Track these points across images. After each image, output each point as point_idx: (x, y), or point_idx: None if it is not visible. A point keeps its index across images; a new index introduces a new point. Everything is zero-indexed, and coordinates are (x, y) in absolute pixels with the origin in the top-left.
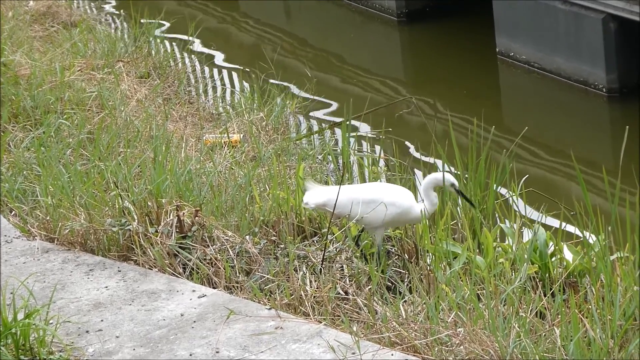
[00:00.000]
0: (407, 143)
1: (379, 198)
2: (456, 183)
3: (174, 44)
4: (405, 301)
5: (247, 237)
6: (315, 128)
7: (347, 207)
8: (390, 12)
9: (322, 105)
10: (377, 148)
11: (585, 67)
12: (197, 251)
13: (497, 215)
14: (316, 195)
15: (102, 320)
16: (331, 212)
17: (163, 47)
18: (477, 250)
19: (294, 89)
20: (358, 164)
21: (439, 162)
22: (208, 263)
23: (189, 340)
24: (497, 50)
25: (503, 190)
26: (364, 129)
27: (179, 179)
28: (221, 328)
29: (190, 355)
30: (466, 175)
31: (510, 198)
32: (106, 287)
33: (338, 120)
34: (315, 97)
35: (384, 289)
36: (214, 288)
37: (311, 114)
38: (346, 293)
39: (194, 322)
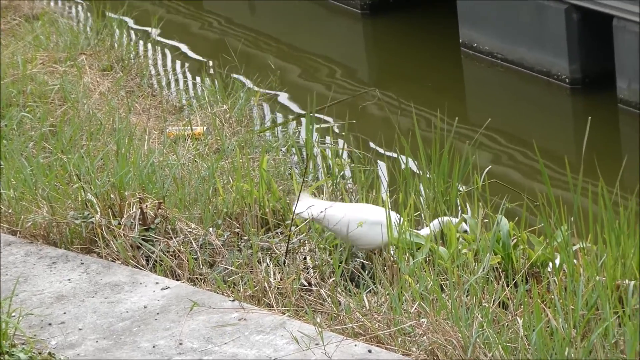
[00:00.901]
0: (370, 135)
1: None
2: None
3: (137, 36)
4: (368, 292)
5: (211, 229)
6: (279, 120)
7: (350, 227)
8: (354, 5)
9: (286, 98)
10: (341, 140)
11: (548, 57)
12: (160, 243)
13: (460, 206)
14: (313, 207)
15: (64, 313)
16: (328, 227)
17: (126, 40)
18: (441, 241)
19: (258, 82)
20: (322, 156)
21: (402, 156)
22: (171, 255)
23: (152, 332)
24: (460, 41)
25: (467, 182)
26: (328, 121)
27: (141, 172)
28: (184, 320)
29: (154, 347)
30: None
31: (474, 189)
32: (69, 279)
33: (302, 112)
34: (279, 90)
35: (347, 280)
36: (177, 280)
37: (275, 106)
38: (310, 284)
39: (157, 314)
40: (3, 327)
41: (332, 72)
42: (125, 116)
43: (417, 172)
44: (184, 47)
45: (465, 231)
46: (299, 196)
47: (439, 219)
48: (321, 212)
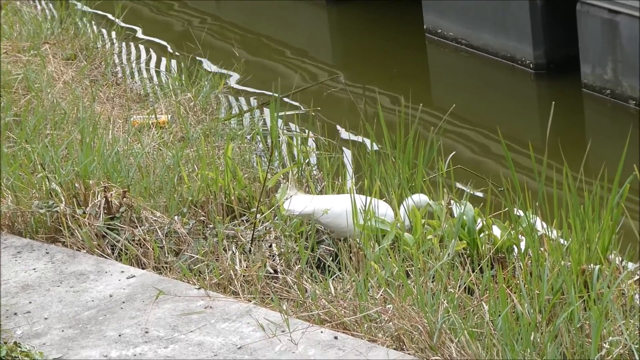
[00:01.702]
0: (336, 122)
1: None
2: (431, 202)
3: (101, 25)
4: (334, 279)
5: (176, 217)
6: (244, 108)
7: (343, 217)
8: None
9: (251, 86)
10: (307, 128)
11: (512, 43)
12: (125, 232)
13: (425, 192)
14: (302, 203)
15: (30, 302)
16: (319, 222)
17: (90, 28)
18: (408, 226)
19: (223, 69)
20: (287, 144)
21: (367, 141)
22: (137, 244)
23: (118, 320)
24: (424, 27)
25: (432, 168)
26: (293, 108)
27: (106, 161)
28: (150, 308)
29: (120, 335)
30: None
31: (438, 175)
32: (34, 269)
33: (267, 99)
34: (244, 78)
35: (313, 267)
36: (142, 269)
37: (240, 94)
38: (276, 272)
39: (123, 302)
40: None
41: (297, 59)
42: (90, 105)
43: (383, 158)
44: (148, 36)
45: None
46: (285, 189)
47: (409, 199)
48: (322, 209)
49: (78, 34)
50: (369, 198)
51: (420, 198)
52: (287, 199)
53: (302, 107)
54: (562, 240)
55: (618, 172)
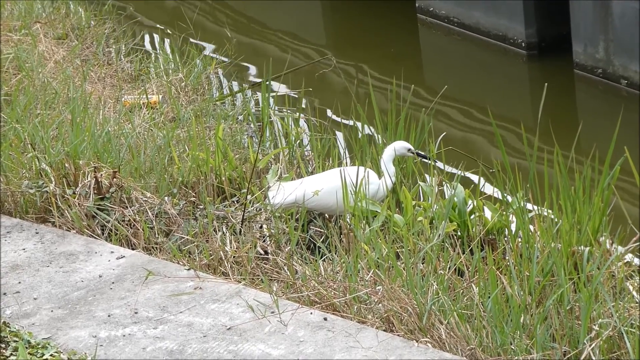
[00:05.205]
0: (328, 103)
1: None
2: (412, 147)
3: (92, 4)
4: (325, 260)
5: (166, 198)
6: (236, 89)
7: (333, 197)
8: None
9: (243, 67)
10: (298, 108)
11: (504, 21)
12: (115, 212)
13: (417, 174)
14: (284, 192)
15: (19, 283)
16: (306, 207)
17: (82, 8)
18: (397, 209)
19: (214, 50)
20: (279, 124)
21: (359, 123)
22: (127, 224)
23: (107, 301)
24: (416, 6)
25: (423, 149)
26: (285, 89)
27: (96, 141)
28: (140, 289)
29: (109, 316)
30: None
31: (430, 157)
32: (24, 249)
33: (258, 81)
34: (236, 58)
35: (303, 248)
36: (132, 249)
37: (231, 75)
38: (266, 253)
39: (113, 283)
40: None
41: (289, 41)
42: (81, 85)
43: (374, 139)
44: (140, 15)
45: (413, 152)
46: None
47: (388, 147)
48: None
49: (69, 13)
50: (361, 168)
51: (396, 146)
52: (270, 191)
53: (293, 88)
54: (552, 216)
55: (609, 154)
